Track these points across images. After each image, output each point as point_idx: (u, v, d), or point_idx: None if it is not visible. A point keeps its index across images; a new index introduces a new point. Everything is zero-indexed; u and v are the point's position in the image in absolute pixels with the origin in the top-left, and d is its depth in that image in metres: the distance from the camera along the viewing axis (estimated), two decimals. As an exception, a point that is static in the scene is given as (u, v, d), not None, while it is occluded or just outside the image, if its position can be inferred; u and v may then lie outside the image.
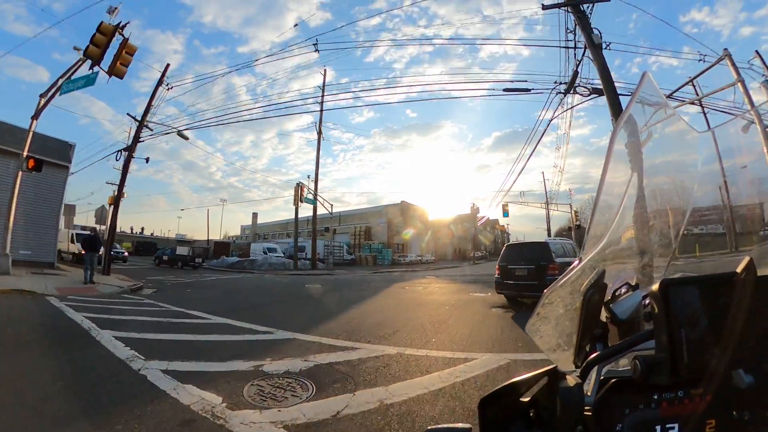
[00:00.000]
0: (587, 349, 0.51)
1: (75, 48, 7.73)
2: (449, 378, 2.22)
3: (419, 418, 1.68)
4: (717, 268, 0.50)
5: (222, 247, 27.68)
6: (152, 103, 13.24)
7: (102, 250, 9.03)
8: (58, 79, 8.13)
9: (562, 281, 0.53)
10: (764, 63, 6.20)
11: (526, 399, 0.45)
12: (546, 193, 28.48)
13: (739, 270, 0.40)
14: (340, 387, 2.00)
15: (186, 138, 14.44)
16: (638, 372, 0.40)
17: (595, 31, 6.56)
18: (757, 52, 6.16)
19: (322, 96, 18.52)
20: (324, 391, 1.94)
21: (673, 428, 0.40)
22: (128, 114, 13.00)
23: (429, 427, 0.43)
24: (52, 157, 10.09)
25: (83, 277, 7.67)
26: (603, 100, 6.82)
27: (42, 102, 8.18)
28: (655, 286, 0.40)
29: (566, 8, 6.67)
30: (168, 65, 13.80)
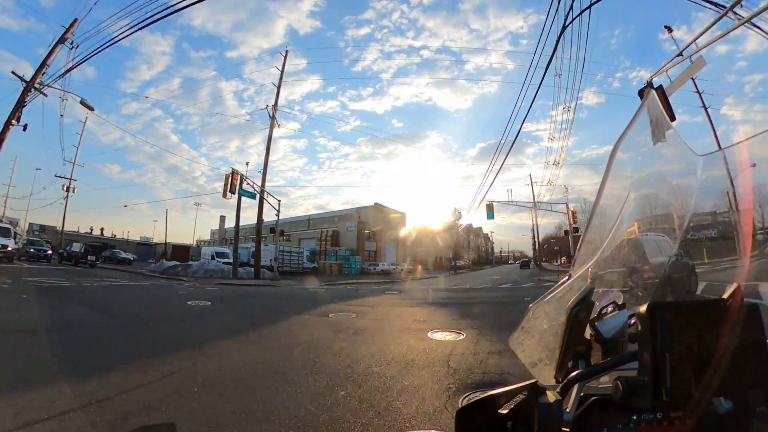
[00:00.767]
0: (569, 365, 0.59)
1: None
2: None
3: None
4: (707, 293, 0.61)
5: (180, 251, 30.48)
6: (47, 62, 12.07)
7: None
8: None
9: (549, 296, 0.61)
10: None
11: (505, 411, 0.52)
12: (533, 194, 31.21)
13: (726, 296, 0.47)
14: None
15: (91, 108, 13.88)
16: (620, 393, 0.46)
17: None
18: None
19: (281, 78, 20.15)
20: None
21: None
22: (13, 72, 12.22)
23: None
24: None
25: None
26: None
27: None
28: (642, 308, 0.47)
29: None
30: (75, 20, 12.90)
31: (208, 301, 8.21)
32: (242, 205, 18.24)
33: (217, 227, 49.63)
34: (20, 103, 12.03)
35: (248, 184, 18.63)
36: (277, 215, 20.56)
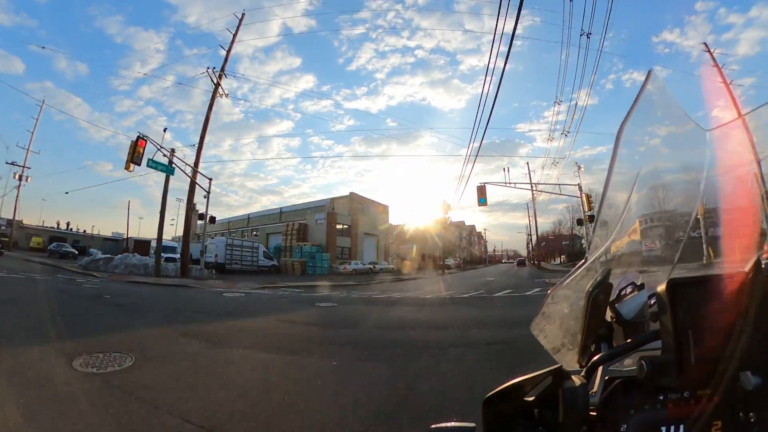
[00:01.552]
0: (592, 349, 0.68)
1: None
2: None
3: None
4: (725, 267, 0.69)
5: (142, 246, 33.71)
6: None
7: None
8: None
9: (567, 280, 0.71)
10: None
11: (531, 398, 0.61)
12: (530, 179, 32.63)
13: (747, 269, 0.54)
14: None
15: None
16: (644, 373, 0.54)
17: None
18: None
19: (232, 41, 21.20)
20: None
21: (678, 429, 0.54)
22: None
23: (432, 426, 0.58)
24: None
25: None
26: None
27: None
28: (661, 286, 0.55)
29: None
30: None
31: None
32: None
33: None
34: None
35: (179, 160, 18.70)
36: (207, 197, 20.48)
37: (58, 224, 48.34)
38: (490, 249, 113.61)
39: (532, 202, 35.79)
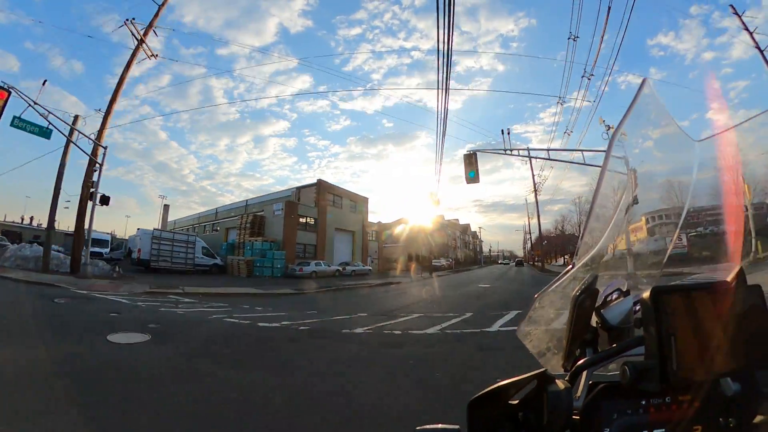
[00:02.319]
0: (577, 353, 0.82)
1: None
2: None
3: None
4: (710, 275, 0.81)
5: (99, 241, 32.91)
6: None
7: None
8: None
9: (554, 286, 0.85)
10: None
11: (515, 402, 0.74)
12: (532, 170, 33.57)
13: (729, 279, 0.68)
14: None
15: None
16: (627, 377, 0.66)
17: None
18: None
19: None
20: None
21: None
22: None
23: (418, 428, 0.71)
24: None
25: None
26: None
27: None
28: (646, 293, 0.67)
29: None
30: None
31: None
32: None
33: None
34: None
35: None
36: (97, 169, 18.61)
37: (22, 219, 54.10)
38: (485, 249, 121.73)
39: (534, 195, 36.85)
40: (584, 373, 0.76)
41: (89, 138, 19.01)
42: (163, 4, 19.74)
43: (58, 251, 23.88)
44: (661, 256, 0.91)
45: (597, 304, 0.84)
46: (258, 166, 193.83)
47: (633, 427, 0.68)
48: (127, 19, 18.85)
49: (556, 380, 0.72)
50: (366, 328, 8.51)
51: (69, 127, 18.31)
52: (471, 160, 19.04)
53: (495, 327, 8.34)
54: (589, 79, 16.99)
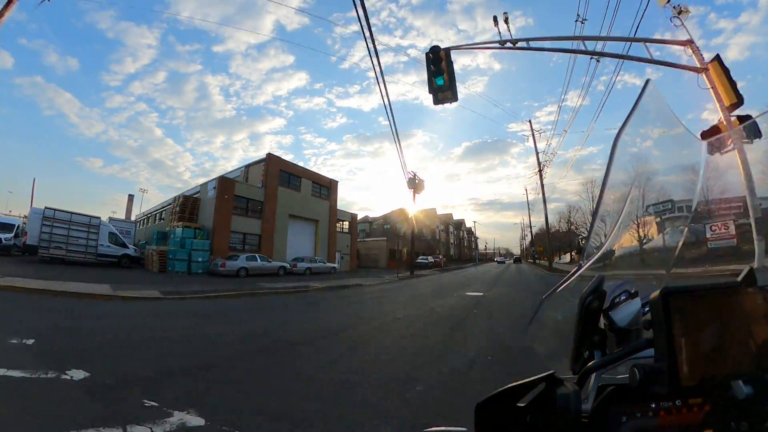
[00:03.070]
0: (585, 356, 0.93)
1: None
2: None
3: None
4: (719, 276, 0.95)
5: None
6: None
7: None
8: None
9: (561, 287, 0.98)
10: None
11: (523, 404, 0.85)
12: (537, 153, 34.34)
13: (739, 279, 0.78)
14: None
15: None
16: (637, 380, 0.73)
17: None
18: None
19: None
20: None
21: None
22: None
23: (425, 430, 0.83)
24: None
25: None
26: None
27: None
28: (655, 294, 0.73)
29: None
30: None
31: None
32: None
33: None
34: None
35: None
36: None
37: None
38: (481, 246, 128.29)
39: (539, 174, 37.54)
40: (593, 376, 0.87)
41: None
42: None
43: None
44: (669, 257, 1.04)
45: (605, 306, 0.96)
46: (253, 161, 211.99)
47: (643, 430, 0.79)
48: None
49: (565, 382, 0.83)
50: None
51: None
52: (438, 58, 12.52)
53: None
54: (598, 61, 17.45)
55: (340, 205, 44.78)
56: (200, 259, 28.11)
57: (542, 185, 36.34)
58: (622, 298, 0.97)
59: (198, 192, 34.22)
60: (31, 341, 7.18)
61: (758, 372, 0.74)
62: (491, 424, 0.86)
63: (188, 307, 13.64)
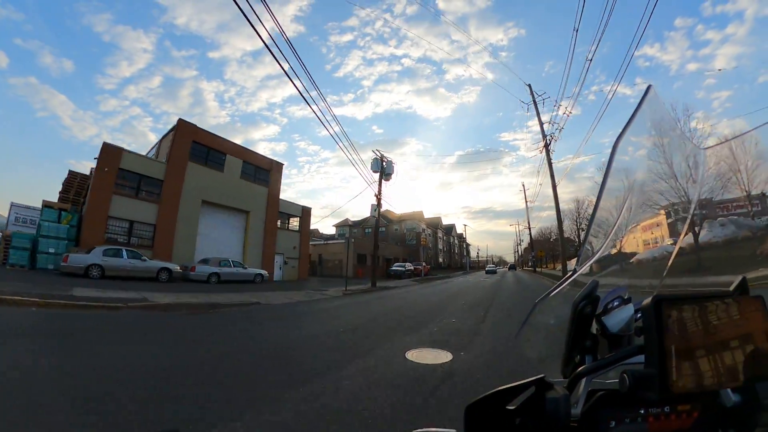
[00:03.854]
0: (576, 360, 1.03)
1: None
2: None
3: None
4: (712, 285, 1.01)
5: None
6: None
7: None
8: None
9: (554, 292, 1.05)
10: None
11: (513, 407, 0.93)
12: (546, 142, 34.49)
13: (732, 288, 0.89)
14: None
15: None
16: (626, 386, 0.83)
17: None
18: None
19: None
20: None
21: None
22: None
23: (415, 431, 0.90)
24: None
25: None
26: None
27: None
28: (647, 301, 0.83)
29: None
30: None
31: None
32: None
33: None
34: None
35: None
36: None
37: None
38: (473, 254, 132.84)
39: (546, 152, 37.40)
40: (583, 380, 0.97)
41: None
42: None
43: None
44: (663, 264, 1.13)
45: (597, 311, 1.06)
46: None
47: None
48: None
49: (555, 387, 0.92)
50: None
51: None
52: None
53: None
54: (590, 60, 19.78)
55: (329, 212, 41.79)
56: (51, 250, 23.40)
57: (549, 163, 34.65)
58: (615, 304, 1.08)
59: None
60: None
61: (747, 381, 0.83)
62: (480, 426, 0.95)
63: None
